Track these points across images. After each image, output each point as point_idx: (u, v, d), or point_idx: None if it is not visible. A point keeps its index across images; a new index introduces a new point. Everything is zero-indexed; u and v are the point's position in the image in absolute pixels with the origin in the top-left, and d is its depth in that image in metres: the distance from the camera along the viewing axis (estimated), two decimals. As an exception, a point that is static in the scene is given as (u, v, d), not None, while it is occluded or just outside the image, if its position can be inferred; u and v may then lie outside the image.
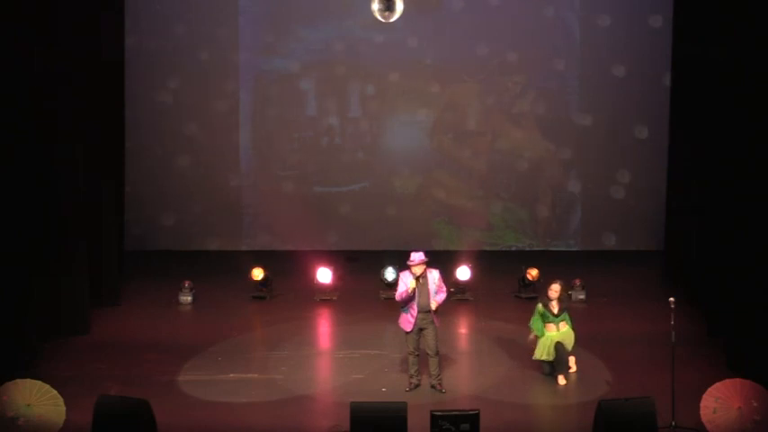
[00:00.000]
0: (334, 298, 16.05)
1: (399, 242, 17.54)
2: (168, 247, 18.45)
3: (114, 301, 15.54)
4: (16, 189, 13.14)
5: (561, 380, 12.60)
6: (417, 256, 12.26)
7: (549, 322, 12.78)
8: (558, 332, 12.78)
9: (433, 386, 12.41)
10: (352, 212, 18.69)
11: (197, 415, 11.83)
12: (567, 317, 12.92)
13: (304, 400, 12.31)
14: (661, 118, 17.37)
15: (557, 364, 12.65)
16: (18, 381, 11.14)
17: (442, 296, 12.40)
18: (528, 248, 18.63)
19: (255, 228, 18.73)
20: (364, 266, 17.11)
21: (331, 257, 16.80)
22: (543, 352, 12.74)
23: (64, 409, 11.05)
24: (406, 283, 12.24)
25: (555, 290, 12.82)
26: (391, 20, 13.43)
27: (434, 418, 10.19)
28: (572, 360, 12.86)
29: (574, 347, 12.86)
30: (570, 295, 14.76)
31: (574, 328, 12.91)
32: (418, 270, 12.22)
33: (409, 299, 12.23)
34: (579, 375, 12.83)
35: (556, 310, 12.80)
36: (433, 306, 12.27)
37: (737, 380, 11.12)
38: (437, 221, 18.71)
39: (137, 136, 17.89)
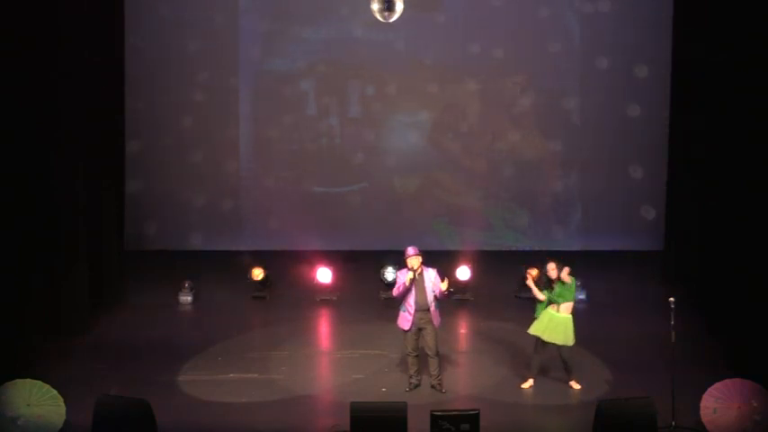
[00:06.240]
0: (334, 298, 16.05)
1: (399, 242, 17.40)
2: (168, 247, 18.44)
3: (114, 301, 15.54)
4: (16, 189, 13.13)
5: (575, 384, 12.53)
6: (412, 249, 12.35)
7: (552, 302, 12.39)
8: (556, 314, 12.34)
9: (432, 386, 12.40)
10: (352, 212, 18.67)
11: (197, 415, 11.83)
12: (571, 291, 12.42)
13: (304, 400, 12.32)
14: (661, 118, 17.36)
15: (566, 370, 12.57)
16: (18, 381, 11.15)
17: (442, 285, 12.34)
18: (528, 248, 18.62)
19: (255, 228, 18.71)
20: (364, 266, 17.10)
21: (331, 257, 16.78)
22: (539, 328, 12.42)
23: (64, 409, 11.06)
24: (404, 278, 12.28)
25: (551, 268, 12.39)
26: (391, 20, 13.40)
27: (434, 418, 10.19)
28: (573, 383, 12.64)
29: (568, 342, 12.42)
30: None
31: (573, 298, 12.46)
32: (414, 262, 12.25)
33: (407, 292, 12.24)
34: (579, 375, 12.80)
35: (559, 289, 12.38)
36: (444, 286, 12.27)
37: (737, 380, 11.13)
38: (437, 221, 18.69)
39: (137, 136, 17.88)
